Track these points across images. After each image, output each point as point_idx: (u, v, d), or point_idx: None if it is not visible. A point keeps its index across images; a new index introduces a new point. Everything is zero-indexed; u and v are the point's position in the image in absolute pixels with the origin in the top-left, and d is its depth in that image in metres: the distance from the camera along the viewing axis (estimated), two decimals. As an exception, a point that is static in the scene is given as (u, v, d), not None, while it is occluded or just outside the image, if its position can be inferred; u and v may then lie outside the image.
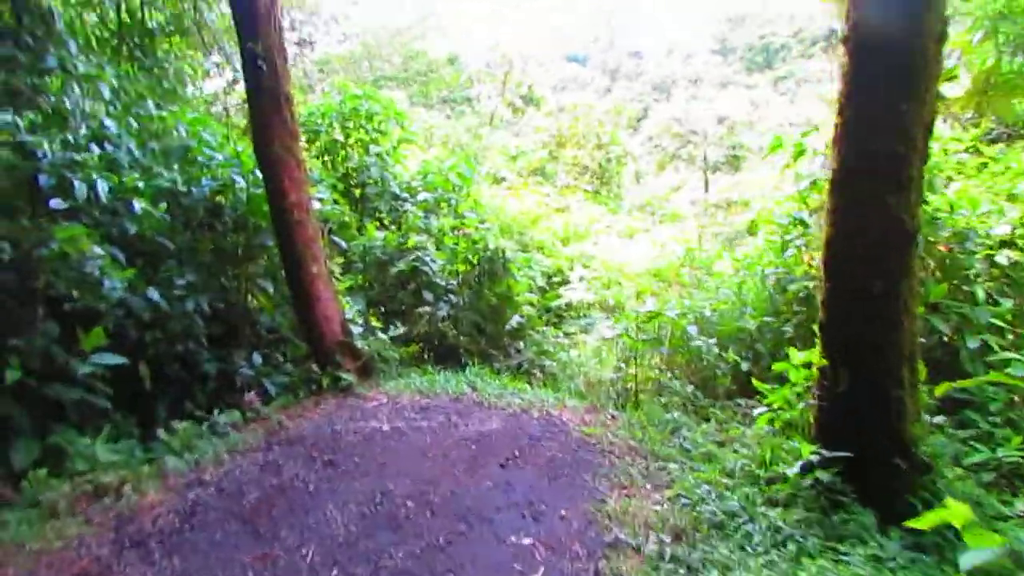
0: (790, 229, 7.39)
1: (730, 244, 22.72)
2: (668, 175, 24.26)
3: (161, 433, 5.78)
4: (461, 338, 8.19)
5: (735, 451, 5.21)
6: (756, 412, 5.17)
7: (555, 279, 11.73)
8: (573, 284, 11.31)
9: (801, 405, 4.59)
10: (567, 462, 5.32)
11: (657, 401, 6.59)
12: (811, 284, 6.33)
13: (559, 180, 16.77)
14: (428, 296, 8.40)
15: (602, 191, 17.27)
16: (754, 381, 6.02)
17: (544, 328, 9.37)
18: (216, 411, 6.17)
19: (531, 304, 8.99)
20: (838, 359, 4.29)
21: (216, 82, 13.90)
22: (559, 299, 10.96)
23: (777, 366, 5.15)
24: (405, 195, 10.49)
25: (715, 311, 7.14)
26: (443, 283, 8.69)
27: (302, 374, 7.13)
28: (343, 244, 8.63)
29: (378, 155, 10.48)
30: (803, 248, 7.06)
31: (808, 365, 4.74)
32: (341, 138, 10.94)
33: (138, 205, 6.08)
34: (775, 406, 5.12)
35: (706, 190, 25.46)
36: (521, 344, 8.96)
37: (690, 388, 6.42)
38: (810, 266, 5.88)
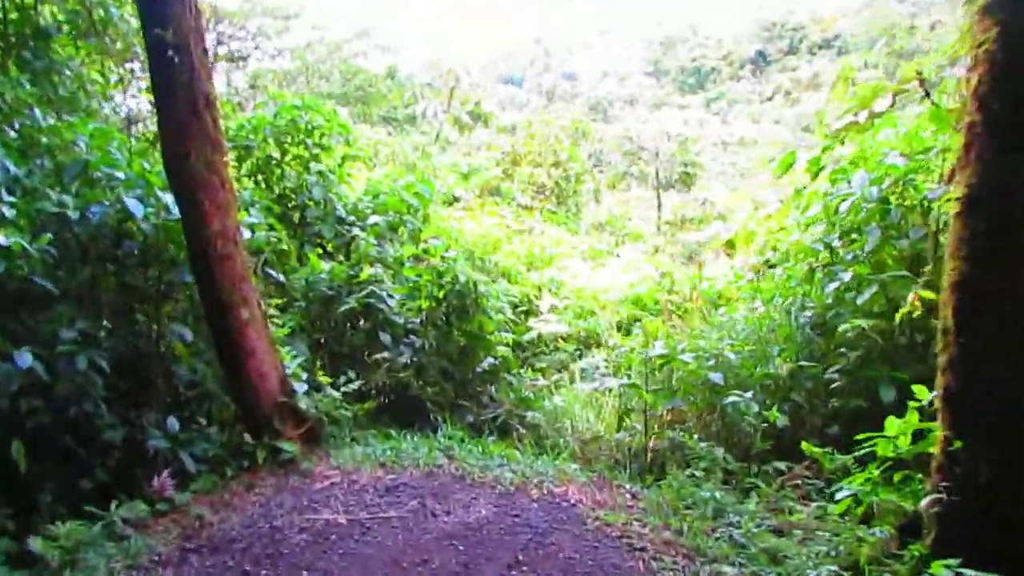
0: (815, 255, 6.30)
1: (689, 262, 21.99)
2: (621, 193, 23.54)
3: (34, 543, 4.29)
4: (427, 389, 6.82)
5: (805, 545, 4.02)
6: (838, 496, 3.99)
7: (521, 308, 10.49)
8: (544, 315, 10.10)
9: (923, 502, 3.39)
10: (588, 568, 4.04)
11: (679, 466, 5.38)
12: (867, 324, 5.23)
13: (516, 200, 15.62)
14: (386, 338, 7.02)
15: (560, 210, 16.21)
16: (804, 444, 4.88)
17: (521, 370, 8.09)
18: (115, 505, 4.70)
19: (506, 344, 7.70)
20: (978, 440, 3.14)
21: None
22: (529, 332, 9.73)
23: (860, 437, 4.01)
24: (352, 219, 9.09)
25: (736, 353, 5.97)
26: (403, 322, 7.33)
27: (231, 442, 5.68)
28: (281, 278, 7.20)
29: (320, 173, 9.07)
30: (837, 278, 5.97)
31: (919, 438, 3.60)
32: (277, 155, 9.49)
33: (3, 238, 4.57)
34: (858, 487, 3.96)
35: (659, 208, 24.75)
36: (494, 389, 7.65)
37: (720, 451, 5.22)
38: (916, 307, 4.77)
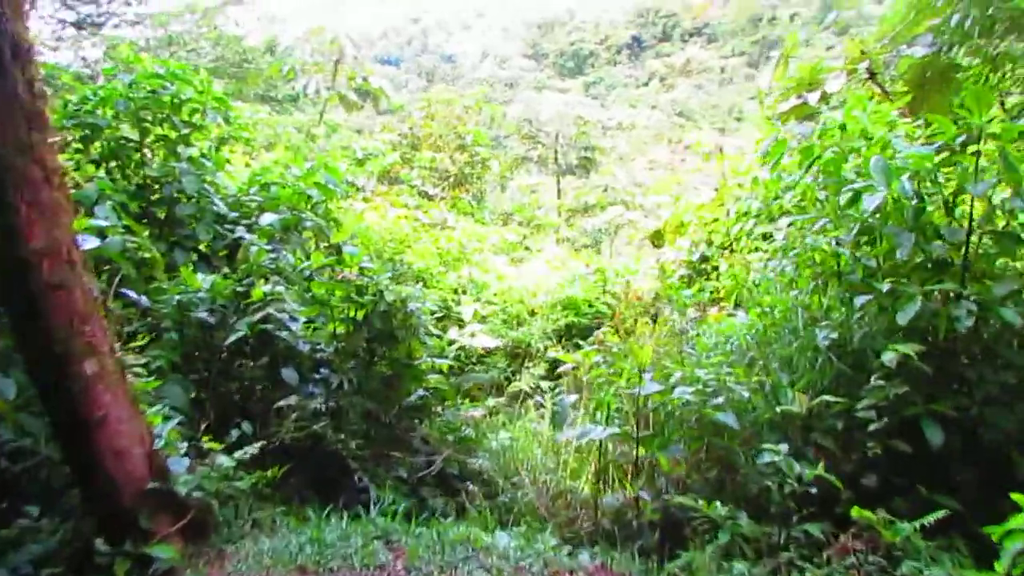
0: (829, 260, 5.24)
1: (592, 249, 21.10)
2: (520, 179, 22.36)
3: None
4: (348, 440, 5.28)
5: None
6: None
7: (437, 315, 9.03)
8: (468, 324, 8.71)
9: None
10: None
11: (692, 538, 4.19)
12: (913, 349, 4.20)
13: (417, 187, 14.03)
14: (290, 375, 5.41)
15: (464, 198, 14.75)
16: (855, 510, 3.81)
17: (458, 400, 6.67)
18: None
19: (439, 371, 6.26)
20: None
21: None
22: (451, 345, 8.31)
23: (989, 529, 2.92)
24: (236, 215, 7.33)
25: (740, 384, 4.82)
26: (311, 351, 5.74)
27: (73, 545, 3.99)
28: (143, 300, 5.42)
29: (192, 159, 7.23)
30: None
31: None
32: (135, 136, 7.54)
33: None
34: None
35: (559, 195, 23.80)
36: (425, 426, 6.22)
37: (743, 518, 4.07)
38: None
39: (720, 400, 4.62)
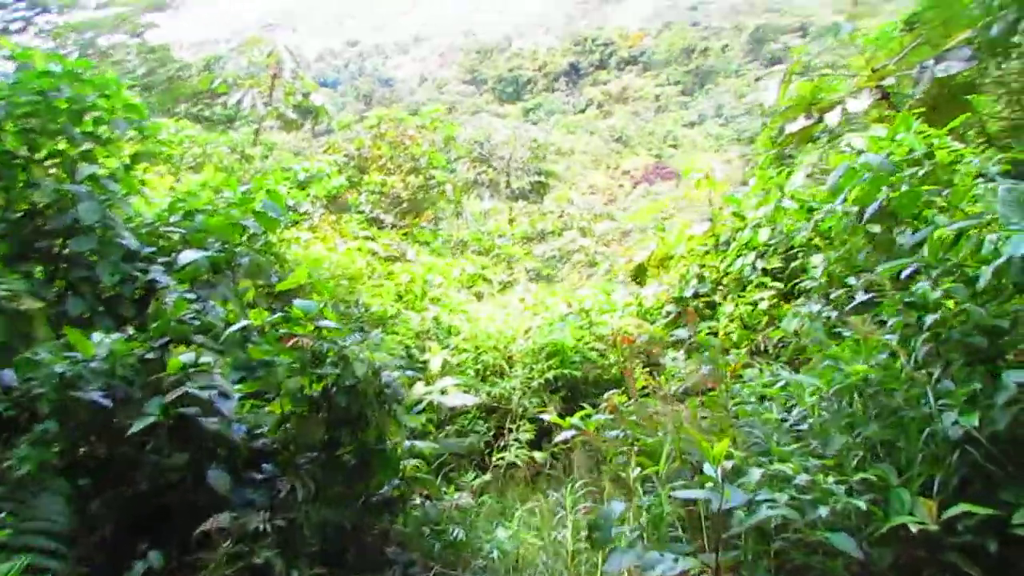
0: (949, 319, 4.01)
1: (546, 279, 19.89)
2: (472, 204, 21.04)
3: None
4: (302, 572, 3.79)
5: None
6: None
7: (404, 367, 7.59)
8: (438, 379, 7.29)
9: None
10: None
11: None
12: None
13: (366, 213, 12.55)
14: (219, 479, 3.91)
15: (424, 227, 13.27)
16: None
17: (442, 490, 5.22)
18: None
19: (420, 456, 4.84)
20: None
21: None
22: (418, 404, 6.88)
23: None
24: (151, 251, 5.78)
25: (840, 482, 3.57)
26: (248, 438, 4.24)
27: None
28: (6, 376, 3.87)
29: (93, 180, 5.67)
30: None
31: None
32: (23, 151, 5.93)
33: None
34: None
35: (510, 221, 22.61)
36: (400, 523, 4.78)
37: None
38: None
39: (823, 512, 3.36)
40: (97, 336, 4.36)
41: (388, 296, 8.48)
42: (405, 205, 13.32)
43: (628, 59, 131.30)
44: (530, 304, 9.83)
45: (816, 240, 6.69)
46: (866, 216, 5.24)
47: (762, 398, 5.26)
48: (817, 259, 6.44)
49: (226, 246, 5.71)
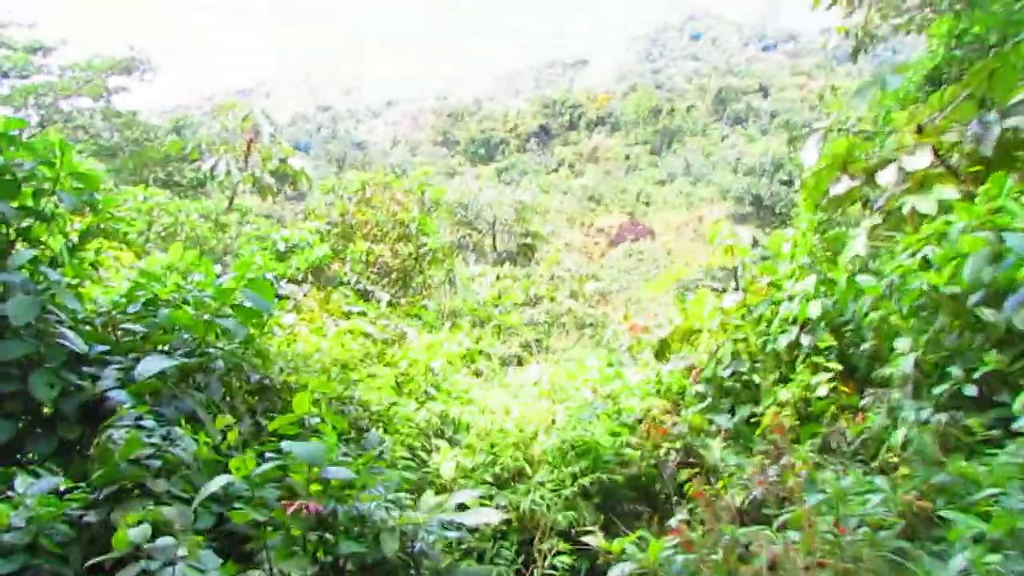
0: None
1: (539, 348, 18.79)
2: (458, 268, 20.04)
3: None
4: None
5: None
6: None
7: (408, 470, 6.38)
8: (453, 488, 6.12)
9: None
10: None
11: None
12: None
13: (352, 284, 11.43)
14: None
15: (425, 305, 12.14)
16: None
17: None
18: None
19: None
20: None
21: None
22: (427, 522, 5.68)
23: None
24: (102, 349, 4.61)
25: None
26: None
27: None
28: None
29: (31, 267, 4.54)
30: None
31: None
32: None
33: None
34: None
35: (499, 293, 21.61)
36: None
37: None
38: None
39: None
40: (21, 483, 3.19)
41: (387, 387, 7.32)
42: (394, 275, 12.26)
43: (597, 120, 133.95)
44: (546, 388, 8.72)
45: (895, 318, 5.72)
46: (1010, 306, 4.29)
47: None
48: (903, 343, 5.46)
49: (196, 342, 4.56)
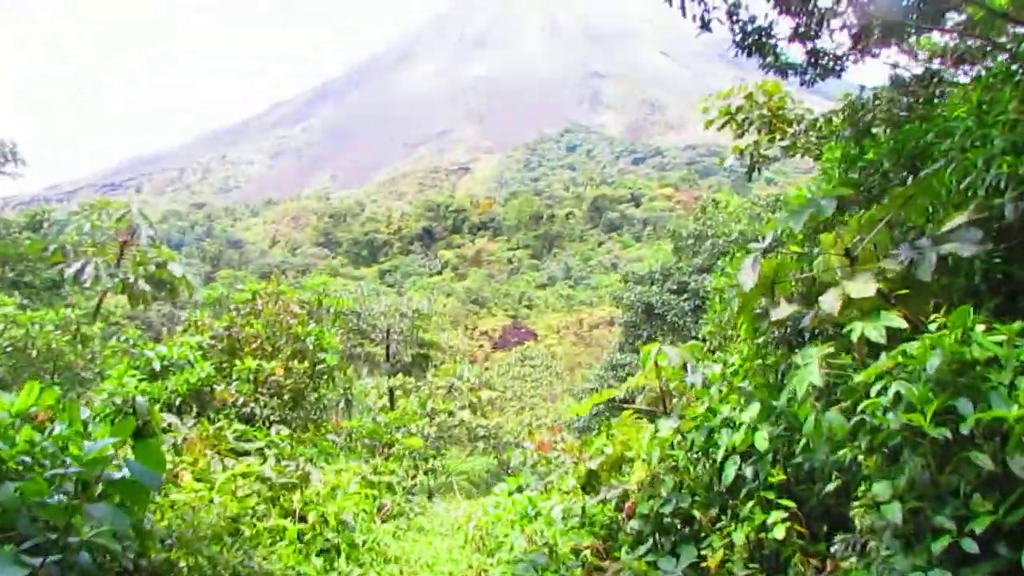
0: None
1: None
2: (353, 382, 18.67)
3: None
4: None
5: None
6: None
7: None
8: None
9: None
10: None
11: None
12: None
13: (238, 405, 9.99)
14: None
15: (332, 440, 10.73)
16: None
17: None
18: None
19: None
20: None
21: None
22: None
23: None
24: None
25: None
26: None
27: None
28: None
29: None
30: None
31: None
32: None
33: None
34: None
35: (391, 401, 20.42)
36: None
37: None
38: None
39: None
40: None
41: (289, 553, 6.09)
42: (286, 395, 10.98)
43: (480, 224, 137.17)
44: (471, 534, 7.70)
45: (866, 459, 5.31)
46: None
47: None
48: (882, 489, 5.02)
49: (58, 540, 3.39)
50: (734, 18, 9.99)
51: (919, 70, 11.43)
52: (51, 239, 15.60)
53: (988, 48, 11.06)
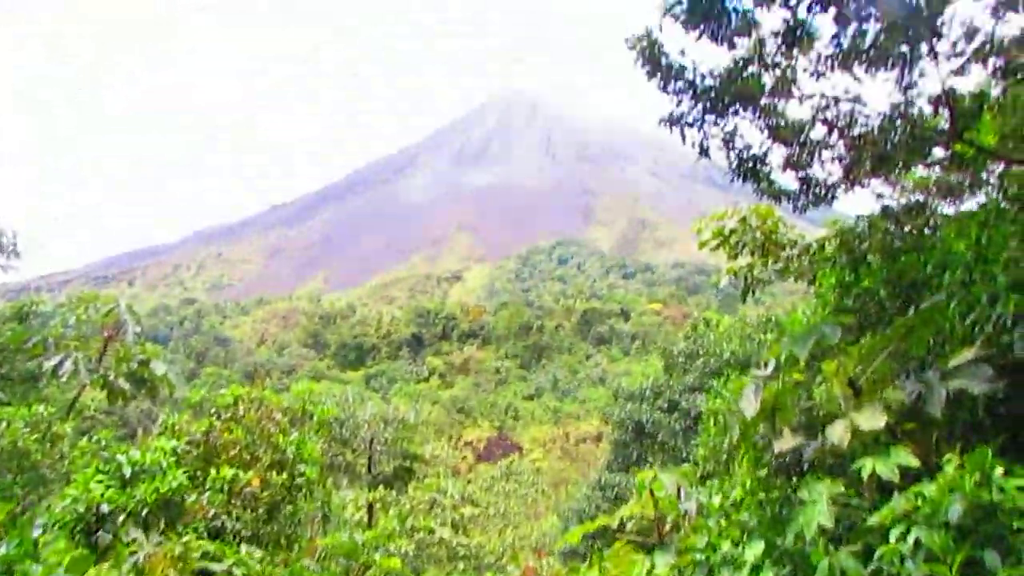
0: None
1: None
2: (331, 494, 17.79)
3: None
4: None
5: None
6: None
7: None
8: None
9: None
10: None
11: None
12: None
13: (210, 518, 9.39)
14: None
15: (309, 566, 10.07)
16: None
17: None
18: None
19: None
20: None
21: None
22: None
23: None
24: None
25: None
26: None
27: None
28: None
29: None
30: None
31: None
32: None
33: None
34: None
35: (370, 516, 19.52)
36: None
37: None
38: None
39: None
40: None
41: None
42: (261, 509, 10.40)
43: (469, 332, 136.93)
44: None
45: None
46: None
47: None
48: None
49: None
50: (730, 145, 10.23)
51: (904, 200, 11.68)
52: (35, 331, 15.24)
53: (970, 183, 11.36)
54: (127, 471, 9.55)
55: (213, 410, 11.78)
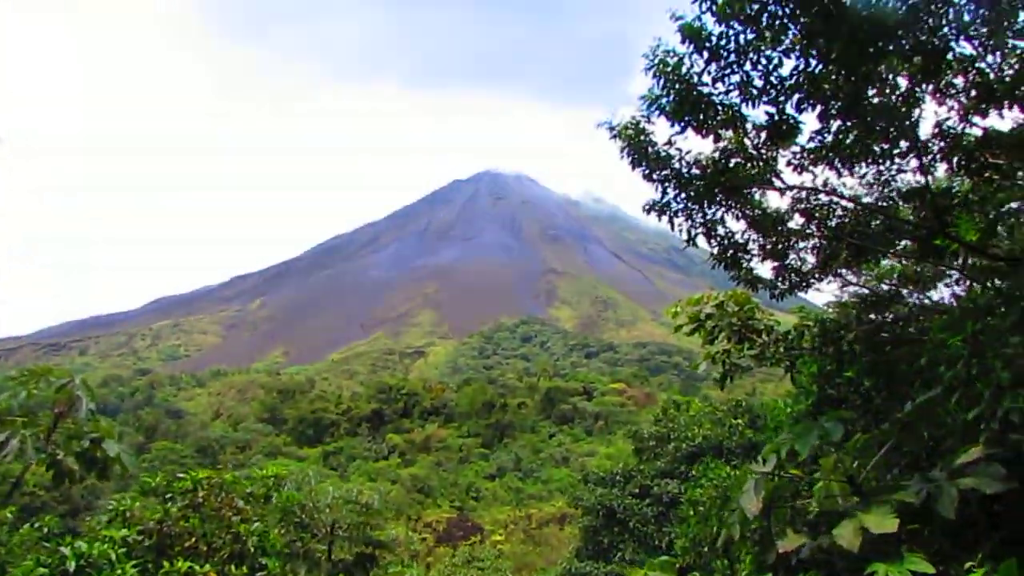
0: None
1: None
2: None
3: None
4: None
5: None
6: None
7: None
8: None
9: None
10: None
11: None
12: None
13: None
14: None
15: None
16: None
17: None
18: None
19: None
20: None
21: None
22: None
23: None
24: None
25: None
26: None
27: None
28: None
29: None
30: None
31: None
32: None
33: None
34: None
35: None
36: None
37: None
38: None
39: None
40: None
41: None
42: (218, 607, 9.60)
43: (431, 409, 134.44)
44: None
45: None
46: None
47: None
48: None
49: None
50: (712, 233, 10.28)
51: (871, 289, 11.79)
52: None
53: (933, 274, 11.54)
54: (71, 565, 8.79)
55: (169, 495, 11.04)
